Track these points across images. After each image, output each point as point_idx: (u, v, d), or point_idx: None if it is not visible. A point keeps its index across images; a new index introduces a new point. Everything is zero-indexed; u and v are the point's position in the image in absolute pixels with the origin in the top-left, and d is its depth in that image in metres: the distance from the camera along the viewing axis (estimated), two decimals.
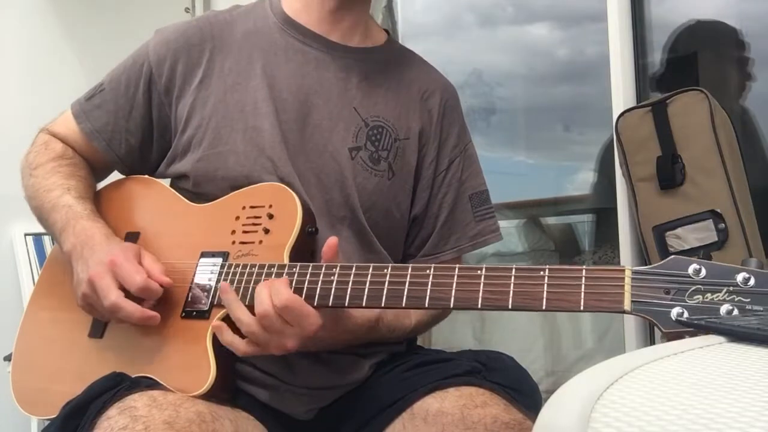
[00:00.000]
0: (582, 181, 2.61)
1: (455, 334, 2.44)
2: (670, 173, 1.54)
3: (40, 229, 1.13)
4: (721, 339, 0.57)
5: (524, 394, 0.98)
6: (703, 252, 0.74)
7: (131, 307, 0.93)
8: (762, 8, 1.93)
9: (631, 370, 0.44)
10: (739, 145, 1.60)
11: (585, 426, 0.35)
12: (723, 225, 1.47)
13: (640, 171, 1.60)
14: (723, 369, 0.46)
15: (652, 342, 1.77)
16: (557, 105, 2.73)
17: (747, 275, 0.69)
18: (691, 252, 1.50)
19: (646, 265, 1.59)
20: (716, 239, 1.48)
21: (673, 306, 0.72)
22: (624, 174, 1.67)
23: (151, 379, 0.93)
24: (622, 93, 1.80)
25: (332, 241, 0.90)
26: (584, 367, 0.45)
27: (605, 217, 2.15)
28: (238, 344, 0.90)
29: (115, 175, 1.20)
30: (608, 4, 1.85)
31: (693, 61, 1.95)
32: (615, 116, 1.70)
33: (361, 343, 1.04)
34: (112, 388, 0.88)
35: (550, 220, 2.70)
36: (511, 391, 0.97)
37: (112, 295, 0.93)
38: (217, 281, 0.97)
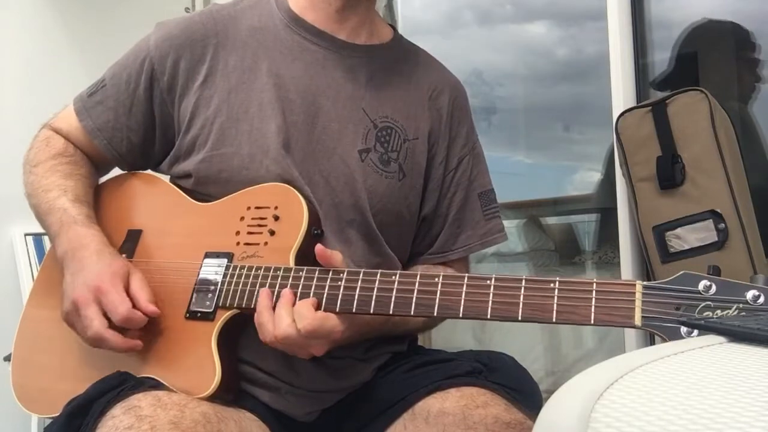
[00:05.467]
0: (582, 181, 2.61)
1: (456, 334, 2.44)
2: (670, 173, 1.54)
3: (40, 229, 1.13)
4: (721, 339, 0.57)
5: (525, 394, 0.98)
6: (713, 268, 0.74)
7: (114, 339, 0.93)
8: (762, 8, 1.93)
9: (631, 370, 0.44)
10: (739, 145, 1.61)
11: (585, 426, 0.35)
12: (723, 225, 1.47)
13: (640, 171, 1.60)
14: (723, 369, 0.46)
15: (652, 342, 1.77)
16: (557, 105, 2.73)
17: (757, 293, 0.70)
18: (691, 252, 1.50)
19: (646, 264, 1.60)
20: (716, 239, 1.48)
21: (682, 323, 0.72)
22: (624, 174, 1.67)
23: (154, 379, 0.93)
24: (622, 93, 1.81)
25: (319, 248, 0.91)
26: (584, 367, 0.45)
27: (605, 217, 2.15)
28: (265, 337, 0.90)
29: (119, 170, 1.19)
30: (608, 3, 1.84)
31: (693, 60, 1.95)
32: (615, 116, 1.70)
33: (375, 336, 1.04)
34: (116, 387, 0.88)
35: (550, 220, 2.70)
36: (511, 392, 0.97)
37: (95, 325, 0.93)
38: (222, 283, 0.97)
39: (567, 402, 0.39)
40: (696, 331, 0.71)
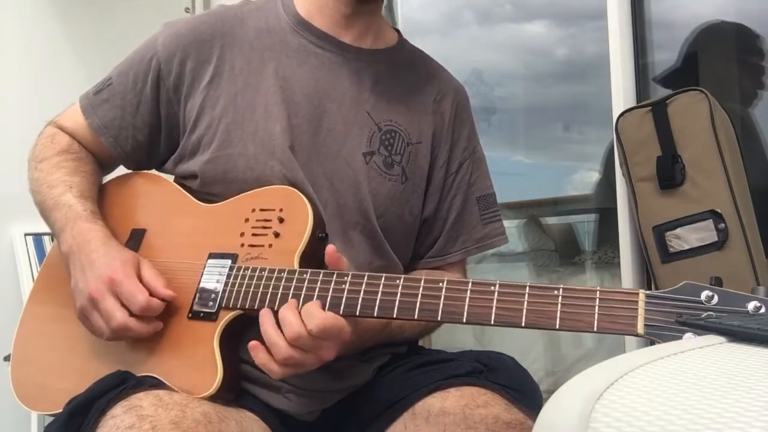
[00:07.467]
0: (581, 181, 2.62)
1: (456, 334, 2.44)
2: (670, 173, 1.54)
3: (40, 229, 1.13)
4: (721, 339, 0.57)
5: (525, 394, 0.98)
6: (715, 279, 0.75)
7: (139, 327, 0.93)
8: (762, 7, 1.93)
9: (631, 370, 0.44)
10: (739, 145, 1.61)
11: (585, 426, 0.35)
12: (723, 225, 1.47)
13: (640, 171, 1.60)
14: (723, 369, 0.47)
15: (652, 342, 1.76)
16: (557, 105, 2.73)
17: (758, 304, 0.70)
18: (691, 252, 1.50)
19: (646, 265, 1.60)
20: (716, 239, 1.48)
21: (684, 331, 0.72)
22: (624, 174, 1.67)
23: (155, 378, 0.93)
24: (622, 93, 1.81)
25: (330, 249, 0.90)
26: (584, 367, 0.45)
27: (605, 217, 2.15)
28: (273, 367, 0.87)
29: (122, 168, 1.19)
30: (608, 3, 1.84)
31: (693, 60, 1.95)
32: (615, 116, 1.70)
33: (374, 344, 1.04)
34: (117, 387, 0.88)
35: (550, 220, 2.70)
36: (512, 392, 0.97)
37: (118, 317, 0.93)
38: (226, 283, 0.96)
39: (567, 402, 0.39)
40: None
